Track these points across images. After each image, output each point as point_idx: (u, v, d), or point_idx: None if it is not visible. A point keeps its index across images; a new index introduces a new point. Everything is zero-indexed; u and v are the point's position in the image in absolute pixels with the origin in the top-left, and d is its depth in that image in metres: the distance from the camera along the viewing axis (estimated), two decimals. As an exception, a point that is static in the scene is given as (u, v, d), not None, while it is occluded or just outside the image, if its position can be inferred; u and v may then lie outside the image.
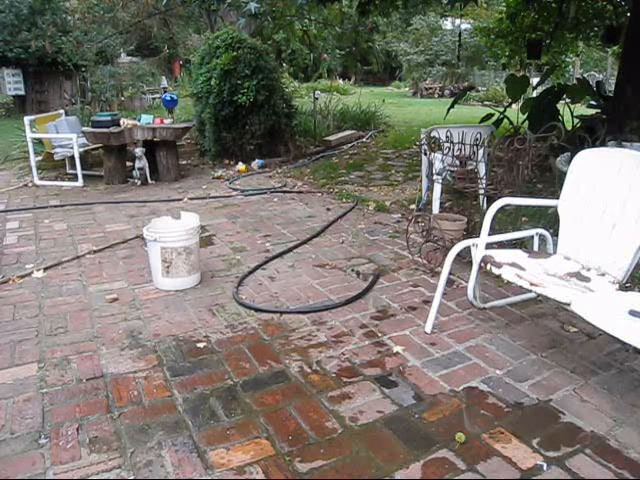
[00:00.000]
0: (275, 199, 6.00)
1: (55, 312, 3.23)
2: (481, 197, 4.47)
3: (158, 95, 16.34)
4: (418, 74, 24.86)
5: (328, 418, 2.22)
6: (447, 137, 4.07)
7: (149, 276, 3.66)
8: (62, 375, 2.55)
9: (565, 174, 2.97)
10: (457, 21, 22.41)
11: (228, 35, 7.67)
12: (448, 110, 7.99)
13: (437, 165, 4.37)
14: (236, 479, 1.90)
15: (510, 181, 3.72)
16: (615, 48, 10.84)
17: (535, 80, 10.62)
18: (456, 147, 4.03)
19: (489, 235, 2.82)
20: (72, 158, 6.78)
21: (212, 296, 3.44)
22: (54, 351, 2.77)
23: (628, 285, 3.04)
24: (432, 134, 4.38)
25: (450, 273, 2.92)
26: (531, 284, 2.47)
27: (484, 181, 4.11)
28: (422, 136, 4.62)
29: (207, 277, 3.73)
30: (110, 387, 2.45)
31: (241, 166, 7.48)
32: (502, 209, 3.00)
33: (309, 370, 2.58)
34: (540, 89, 9.18)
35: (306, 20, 11.53)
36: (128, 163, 7.07)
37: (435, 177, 4.43)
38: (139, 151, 6.57)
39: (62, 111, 8.14)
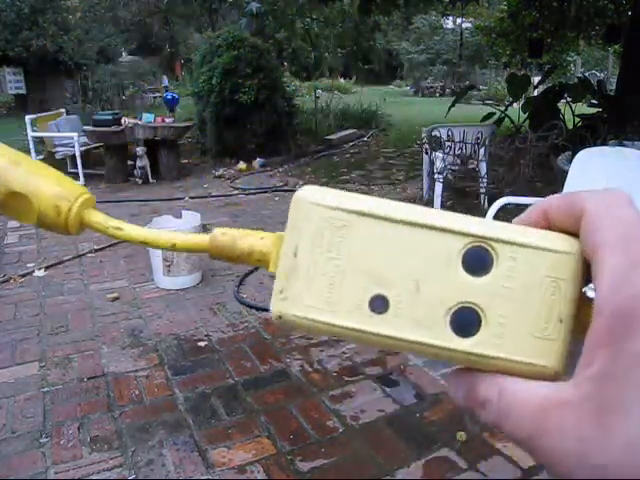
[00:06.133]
0: (276, 198, 5.99)
1: (56, 311, 3.23)
2: (482, 196, 4.47)
3: (159, 94, 16.37)
4: (419, 73, 24.88)
5: (329, 417, 2.22)
6: (448, 136, 4.07)
7: (150, 275, 3.66)
8: (63, 374, 2.55)
9: (566, 173, 2.96)
10: (458, 20, 22.41)
11: (229, 34, 7.67)
12: (449, 109, 7.98)
13: (438, 164, 4.37)
14: (237, 478, 1.90)
15: (511, 180, 3.71)
16: (616, 47, 10.84)
17: (536, 79, 10.61)
18: (457, 146, 4.03)
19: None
20: (73, 157, 6.78)
21: (213, 295, 3.44)
22: (55, 350, 2.77)
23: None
24: (433, 133, 4.38)
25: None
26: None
27: (485, 180, 4.11)
28: (423, 135, 4.62)
29: (208, 276, 3.73)
30: (111, 386, 2.45)
31: (242, 165, 7.48)
32: (503, 208, 2.99)
33: (310, 369, 2.58)
34: (541, 88, 9.18)
35: (307, 19, 11.54)
36: (129, 162, 7.07)
37: (436, 176, 4.43)
38: (140, 150, 6.57)
39: (63, 110, 8.15)
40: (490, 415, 0.24)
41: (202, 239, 0.30)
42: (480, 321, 0.25)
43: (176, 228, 3.52)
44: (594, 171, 2.81)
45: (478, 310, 0.25)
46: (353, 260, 0.26)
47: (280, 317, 0.26)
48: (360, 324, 0.26)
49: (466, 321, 0.25)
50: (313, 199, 0.27)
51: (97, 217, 0.31)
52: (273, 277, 0.27)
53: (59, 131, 6.91)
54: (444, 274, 0.26)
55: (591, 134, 5.15)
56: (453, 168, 4.40)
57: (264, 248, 0.28)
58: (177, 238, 0.30)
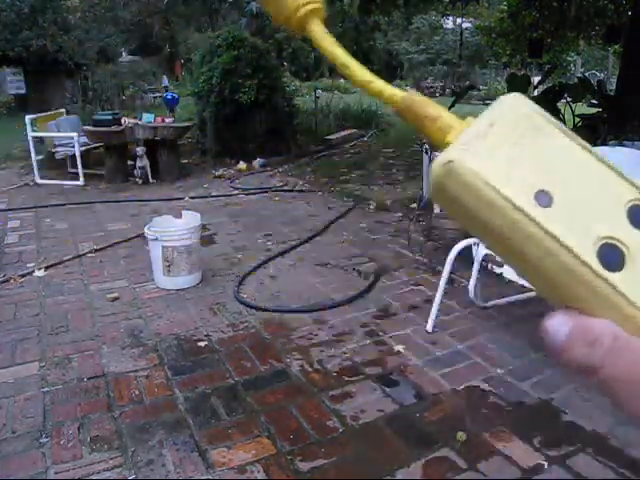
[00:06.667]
0: (276, 198, 5.99)
1: (56, 311, 3.23)
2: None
3: (159, 94, 16.36)
4: (419, 73, 24.88)
5: (329, 417, 2.22)
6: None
7: (150, 275, 3.66)
8: (63, 374, 2.55)
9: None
10: (458, 20, 22.42)
11: (229, 34, 7.67)
12: (449, 109, 7.88)
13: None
14: (237, 478, 1.90)
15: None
16: (616, 47, 10.84)
17: (536, 79, 10.61)
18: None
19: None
20: (73, 157, 6.78)
21: (213, 295, 3.44)
22: (55, 350, 2.77)
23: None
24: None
25: (451, 272, 2.92)
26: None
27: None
28: (423, 135, 4.62)
29: (208, 276, 3.73)
30: (111, 386, 2.45)
31: (242, 165, 7.48)
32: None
33: (310, 369, 2.58)
34: (541, 88, 9.18)
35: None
36: (129, 162, 7.07)
37: (436, 176, 4.42)
38: (140, 150, 6.57)
39: (63, 110, 8.15)
40: (596, 353, 0.25)
41: (397, 91, 0.31)
42: (623, 265, 0.26)
43: (176, 228, 3.52)
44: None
45: (625, 252, 0.26)
46: (535, 156, 0.27)
47: (451, 162, 0.26)
48: (522, 204, 0.26)
49: (611, 258, 0.26)
50: (520, 98, 0.29)
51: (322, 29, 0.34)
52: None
53: (59, 131, 6.92)
54: (609, 208, 0.27)
55: (591, 134, 5.15)
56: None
57: (452, 121, 0.30)
58: (381, 85, 0.31)
